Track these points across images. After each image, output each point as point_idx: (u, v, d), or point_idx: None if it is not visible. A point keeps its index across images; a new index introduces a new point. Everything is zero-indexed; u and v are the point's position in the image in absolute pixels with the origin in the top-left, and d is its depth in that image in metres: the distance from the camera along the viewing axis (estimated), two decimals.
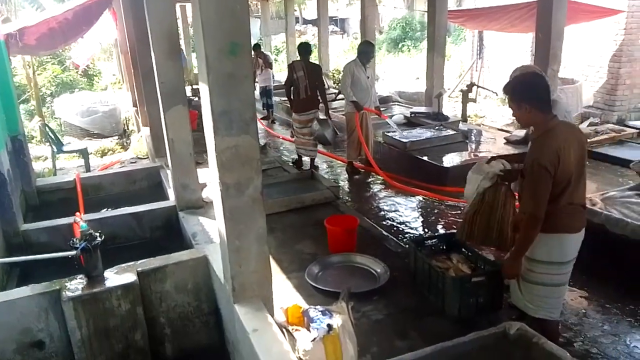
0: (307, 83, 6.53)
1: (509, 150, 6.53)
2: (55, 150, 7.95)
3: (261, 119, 10.70)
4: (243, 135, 2.37)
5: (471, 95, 9.15)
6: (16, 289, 3.08)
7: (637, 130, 7.71)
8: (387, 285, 3.64)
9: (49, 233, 4.16)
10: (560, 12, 5.35)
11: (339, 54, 19.85)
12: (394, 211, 5.53)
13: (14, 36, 5.97)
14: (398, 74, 16.43)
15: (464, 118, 9.01)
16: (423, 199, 5.79)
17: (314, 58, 16.33)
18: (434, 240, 3.86)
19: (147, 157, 8.18)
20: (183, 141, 4.28)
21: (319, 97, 6.76)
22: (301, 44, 7.10)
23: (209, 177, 2.60)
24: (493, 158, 3.08)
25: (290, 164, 7.09)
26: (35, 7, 11.89)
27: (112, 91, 14.70)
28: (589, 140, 7.08)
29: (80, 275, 2.94)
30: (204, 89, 2.34)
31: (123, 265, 3.11)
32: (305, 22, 28.87)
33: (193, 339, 3.25)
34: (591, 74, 9.12)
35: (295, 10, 21.77)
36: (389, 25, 24.13)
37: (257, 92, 11.04)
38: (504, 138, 7.14)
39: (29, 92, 11.79)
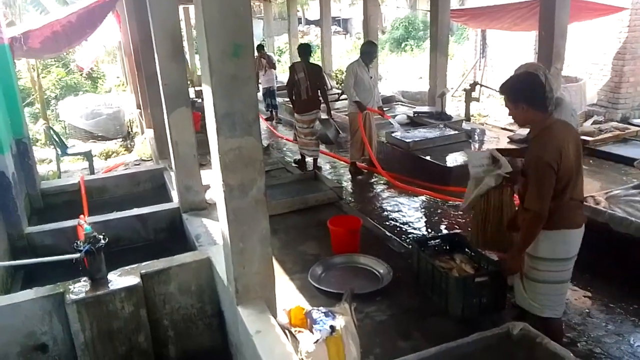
0: (308, 84, 6.57)
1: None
2: (59, 152, 7.99)
3: (265, 119, 10.72)
4: (246, 137, 2.37)
5: (474, 95, 9.12)
6: (20, 292, 3.09)
7: None
8: (390, 286, 3.64)
9: (53, 236, 4.17)
10: (564, 10, 5.32)
11: (341, 54, 19.84)
12: (397, 211, 5.53)
13: (19, 39, 5.99)
14: (401, 73, 16.41)
15: (467, 117, 8.99)
16: (426, 199, 5.78)
17: (317, 59, 16.39)
18: (437, 241, 3.85)
19: (151, 159, 8.20)
20: (186, 143, 4.29)
21: (320, 98, 6.78)
22: (301, 45, 7.14)
23: (213, 179, 2.61)
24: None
25: (294, 165, 7.10)
26: (39, 10, 11.92)
27: (116, 93, 14.76)
28: (592, 138, 7.07)
29: (84, 278, 2.95)
30: (207, 90, 2.35)
31: (126, 267, 3.11)
32: (308, 22, 28.86)
33: (196, 341, 3.26)
34: (595, 72, 9.08)
35: (298, 11, 21.78)
36: (392, 25, 24.10)
37: (260, 93, 11.07)
38: (508, 137, 7.12)
39: (33, 95, 11.86)
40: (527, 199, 2.56)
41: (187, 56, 16.15)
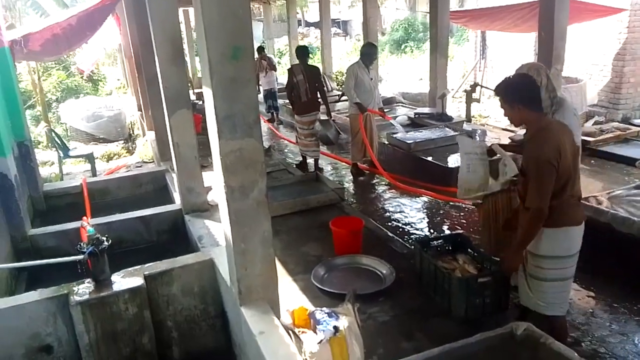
0: (307, 86, 6.63)
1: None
2: (61, 155, 8.01)
3: (266, 121, 10.73)
4: (247, 139, 2.38)
5: (475, 96, 9.14)
6: (24, 293, 3.11)
7: None
8: (393, 286, 3.64)
9: (56, 238, 4.18)
10: (563, 12, 5.32)
11: (341, 56, 19.85)
12: (399, 212, 5.53)
13: (19, 42, 6.00)
14: (401, 75, 16.43)
15: (468, 118, 9.00)
16: (428, 199, 5.78)
17: (317, 61, 16.40)
18: (439, 241, 3.85)
19: (153, 161, 8.21)
20: (188, 145, 4.30)
21: (320, 100, 6.82)
22: (299, 47, 7.19)
23: (214, 180, 2.61)
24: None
25: (295, 166, 7.11)
26: (39, 13, 11.96)
27: (117, 96, 14.78)
28: (594, 139, 7.07)
29: (88, 280, 2.96)
30: (207, 92, 2.35)
31: (130, 269, 3.12)
32: (308, 24, 28.88)
33: (200, 342, 3.26)
34: (595, 73, 9.09)
35: (298, 13, 21.82)
36: (392, 26, 24.12)
37: (261, 95, 11.08)
38: (509, 137, 7.12)
39: (34, 97, 11.88)
40: (528, 197, 2.57)
41: (188, 58, 16.16)
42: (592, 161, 6.65)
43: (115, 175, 6.89)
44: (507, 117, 2.74)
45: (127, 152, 10.13)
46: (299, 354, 2.29)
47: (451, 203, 5.58)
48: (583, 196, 4.06)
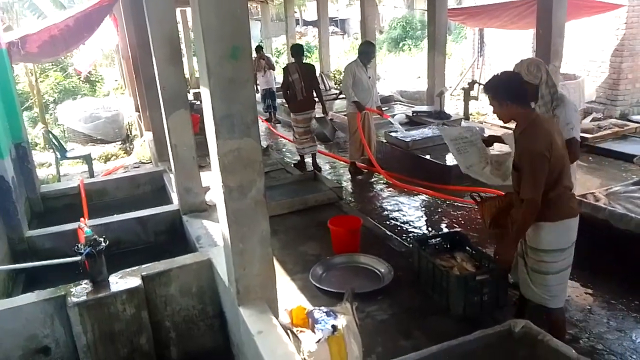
0: (302, 85, 6.68)
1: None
2: (58, 156, 7.99)
3: (264, 120, 10.73)
4: (245, 138, 2.37)
5: (473, 93, 9.14)
6: (22, 295, 3.10)
7: None
8: (391, 285, 3.64)
9: (53, 239, 4.17)
10: (561, 8, 5.32)
11: (339, 54, 19.86)
12: (398, 211, 5.53)
13: (16, 44, 5.99)
14: (399, 73, 16.42)
15: (466, 116, 9.00)
16: (426, 198, 5.78)
17: (314, 59, 16.38)
18: (437, 239, 3.86)
19: (151, 162, 8.20)
20: (186, 145, 4.29)
21: (316, 98, 6.88)
22: (293, 46, 7.27)
23: (212, 181, 2.61)
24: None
25: (293, 165, 7.11)
26: (36, 15, 11.93)
27: (115, 97, 14.77)
28: (592, 135, 7.08)
29: (85, 281, 2.95)
30: (205, 93, 2.35)
31: (127, 269, 3.11)
32: (306, 23, 28.89)
33: (198, 342, 3.26)
34: (593, 69, 9.09)
35: (295, 12, 21.79)
36: (390, 24, 24.12)
37: (259, 95, 11.07)
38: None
39: (32, 99, 11.87)
40: (522, 189, 2.62)
41: (185, 59, 16.15)
42: (590, 158, 6.66)
43: (113, 176, 6.88)
44: (496, 114, 2.80)
45: (124, 153, 10.11)
46: (297, 353, 2.29)
47: (449, 201, 5.58)
48: (581, 193, 4.12)
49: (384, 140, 7.23)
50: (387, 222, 5.19)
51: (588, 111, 8.75)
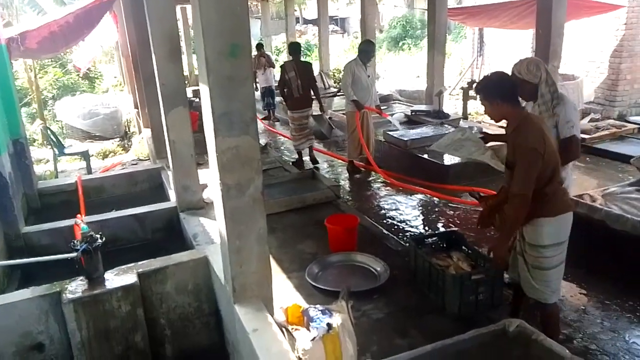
0: (299, 83, 6.74)
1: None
2: (56, 152, 7.99)
3: (262, 119, 10.72)
4: (243, 136, 2.38)
5: (472, 93, 9.13)
6: (16, 291, 3.10)
7: (638, 126, 7.68)
8: (387, 283, 3.64)
9: (50, 235, 4.17)
10: (561, 8, 5.32)
11: (339, 53, 19.85)
12: (395, 210, 5.54)
13: (16, 40, 5.98)
14: (398, 72, 16.43)
15: (465, 115, 9.02)
16: (423, 197, 5.79)
17: (314, 58, 16.35)
18: (434, 239, 3.87)
19: (149, 159, 8.20)
20: (184, 142, 4.29)
21: (313, 95, 6.94)
22: (291, 44, 7.32)
23: (210, 178, 2.61)
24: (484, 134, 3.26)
25: (291, 163, 7.12)
26: (36, 11, 11.90)
27: (114, 93, 14.75)
28: (590, 136, 7.09)
29: (81, 277, 2.95)
30: (204, 90, 2.35)
31: (123, 266, 3.12)
32: (306, 22, 28.87)
33: (193, 340, 3.26)
34: (592, 70, 9.09)
35: (296, 10, 21.77)
36: (389, 23, 24.11)
37: (258, 92, 11.07)
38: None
39: (30, 95, 11.85)
40: (514, 184, 2.65)
41: (185, 56, 16.13)
42: (587, 158, 6.66)
43: (111, 172, 6.86)
44: (487, 114, 2.83)
45: (122, 150, 10.10)
46: (292, 351, 2.29)
47: (446, 201, 5.58)
48: (578, 193, 4.14)
49: (383, 139, 7.23)
50: (384, 221, 5.20)
51: (586, 112, 8.76)
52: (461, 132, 3.39)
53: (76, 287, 2.88)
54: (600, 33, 8.80)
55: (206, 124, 2.43)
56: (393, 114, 8.58)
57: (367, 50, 6.49)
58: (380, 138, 7.27)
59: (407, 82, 14.12)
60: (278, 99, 11.22)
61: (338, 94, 10.42)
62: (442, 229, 4.92)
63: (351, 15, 27.82)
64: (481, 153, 3.39)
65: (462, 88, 9.53)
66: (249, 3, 17.07)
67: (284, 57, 18.32)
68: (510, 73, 3.10)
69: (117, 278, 3.00)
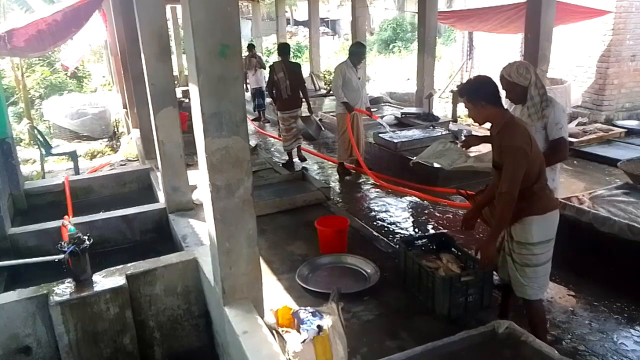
0: (287, 83, 6.79)
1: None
2: (44, 153, 7.89)
3: (252, 120, 10.69)
4: (233, 137, 2.37)
5: None
6: (3, 293, 3.05)
7: (625, 130, 7.79)
8: (377, 285, 3.64)
9: (37, 237, 4.12)
10: (549, 13, 5.38)
11: (330, 55, 19.88)
12: (385, 212, 5.55)
13: (3, 38, 5.90)
14: (389, 74, 16.49)
15: (455, 118, 9.07)
16: (413, 199, 5.81)
17: (305, 59, 16.35)
18: (424, 240, 3.87)
19: (137, 160, 8.14)
20: (173, 143, 4.27)
21: (301, 96, 6.98)
22: (280, 44, 7.41)
23: (200, 179, 2.60)
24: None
25: (281, 165, 7.10)
26: (24, 9, 11.76)
27: (102, 93, 14.62)
28: (577, 139, 7.17)
29: (69, 279, 2.92)
30: (194, 90, 2.34)
31: (112, 268, 3.09)
32: (297, 23, 28.88)
33: (183, 342, 3.24)
34: (580, 74, 9.19)
35: (286, 12, 21.78)
36: (380, 26, 24.22)
37: (248, 94, 11.04)
38: None
39: (17, 94, 11.70)
40: (502, 182, 2.68)
41: (175, 56, 16.04)
42: (575, 162, 6.73)
43: (99, 173, 6.80)
44: (470, 117, 2.87)
45: (111, 150, 10.02)
46: (282, 353, 2.28)
47: (436, 203, 5.60)
48: (566, 196, 4.18)
49: (373, 141, 7.25)
50: (374, 223, 5.21)
51: (574, 115, 8.84)
52: (442, 144, 3.45)
53: (63, 290, 2.85)
54: (588, 38, 8.90)
55: (196, 125, 2.42)
56: (383, 116, 8.60)
57: (357, 53, 6.51)
58: (370, 140, 7.29)
59: (398, 84, 14.18)
60: (268, 100, 11.23)
61: (328, 94, 10.43)
62: (431, 231, 4.95)
63: (342, 17, 27.89)
64: (464, 160, 3.45)
65: (451, 91, 9.60)
66: (239, 4, 17.02)
67: (275, 58, 18.31)
68: (499, 76, 3.15)
69: (105, 280, 2.97)
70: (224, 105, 2.30)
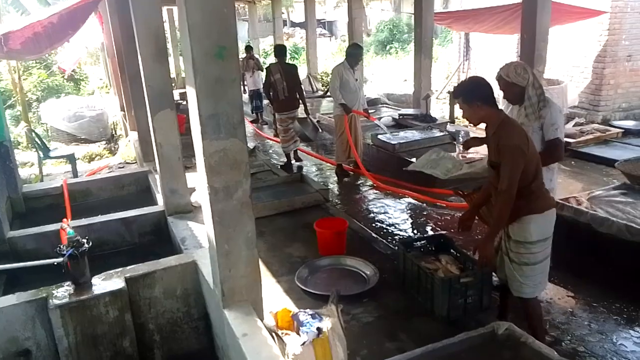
0: (284, 85, 6.81)
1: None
2: (41, 156, 7.87)
3: (250, 121, 10.69)
4: (231, 139, 2.36)
5: None
6: (2, 297, 3.05)
7: (622, 130, 7.82)
8: (376, 287, 3.65)
9: (35, 240, 4.11)
10: (545, 14, 5.40)
11: (327, 56, 19.88)
12: (383, 213, 5.55)
13: None
14: (386, 76, 16.50)
15: (452, 119, 9.09)
16: (412, 200, 5.81)
17: (302, 61, 16.35)
18: (422, 242, 3.88)
19: (135, 162, 8.12)
20: (171, 145, 4.26)
21: (298, 97, 7.02)
22: (276, 46, 7.45)
23: (198, 182, 2.60)
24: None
25: (280, 167, 7.11)
26: (20, 11, 11.74)
27: (99, 95, 14.59)
28: (574, 140, 7.19)
29: (68, 283, 2.91)
30: (191, 92, 2.34)
31: (111, 271, 3.08)
32: (293, 24, 28.88)
33: (182, 345, 3.23)
34: (576, 75, 9.22)
35: (283, 13, 21.80)
36: (377, 27, 24.23)
37: (246, 95, 11.03)
38: None
39: (14, 97, 11.68)
40: (501, 181, 2.69)
41: (172, 58, 16.04)
42: (573, 162, 6.75)
43: (97, 176, 6.80)
44: (465, 118, 2.89)
45: (109, 153, 10.00)
46: (282, 356, 2.28)
47: (434, 204, 5.61)
48: (563, 197, 4.19)
49: (371, 143, 7.26)
50: (373, 225, 5.21)
51: (571, 116, 8.87)
52: (436, 153, 3.47)
53: (63, 293, 2.84)
54: (584, 38, 8.93)
55: (193, 127, 2.42)
56: (381, 118, 8.61)
57: (354, 54, 6.52)
58: (368, 141, 7.30)
59: (395, 85, 14.19)
60: (266, 101, 11.22)
61: (325, 95, 10.43)
62: (430, 233, 4.95)
63: (339, 19, 27.91)
64: (458, 169, 3.47)
65: (449, 92, 9.61)
66: (236, 5, 17.03)
67: (272, 59, 18.31)
68: (497, 77, 3.15)
69: (104, 283, 2.96)
70: (222, 107, 2.30)
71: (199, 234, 3.93)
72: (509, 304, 3.19)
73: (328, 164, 7.48)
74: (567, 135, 7.02)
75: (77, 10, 6.45)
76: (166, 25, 15.83)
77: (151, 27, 4.01)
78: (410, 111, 8.88)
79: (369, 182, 6.44)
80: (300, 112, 7.21)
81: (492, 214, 2.88)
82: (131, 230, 4.39)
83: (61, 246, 2.90)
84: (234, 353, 2.48)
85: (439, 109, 11.31)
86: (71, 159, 7.93)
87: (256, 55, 12.38)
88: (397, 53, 20.75)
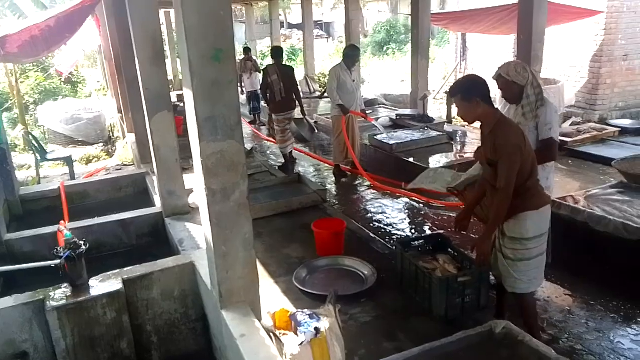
0: (281, 86, 6.84)
1: None
2: (39, 158, 7.87)
3: (249, 123, 10.70)
4: (228, 141, 2.37)
5: None
6: None
7: (618, 129, 7.84)
8: (374, 287, 3.65)
9: (33, 242, 4.10)
10: (541, 14, 5.42)
11: (324, 57, 19.89)
12: (381, 213, 5.56)
13: None
14: (383, 76, 16.52)
15: (449, 119, 9.10)
16: (409, 200, 5.82)
17: (299, 62, 16.37)
18: (420, 242, 3.88)
19: (133, 164, 8.12)
20: (169, 147, 4.26)
21: (295, 98, 7.04)
22: (273, 47, 7.49)
23: (195, 183, 2.60)
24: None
25: (277, 168, 7.11)
26: (17, 15, 11.73)
27: (97, 98, 14.57)
28: (571, 139, 7.21)
29: (65, 284, 2.91)
30: (188, 94, 2.34)
31: (108, 273, 3.08)
32: (291, 26, 28.91)
33: (180, 347, 3.23)
34: (573, 74, 9.25)
35: (280, 15, 21.80)
36: (374, 28, 24.26)
37: (244, 97, 11.03)
38: None
39: (11, 100, 11.66)
40: (499, 179, 2.70)
41: (169, 60, 16.03)
42: (570, 161, 6.77)
43: (95, 178, 6.78)
44: (461, 116, 2.88)
45: (106, 155, 9.98)
46: (280, 356, 2.29)
47: (432, 204, 5.62)
48: (561, 195, 4.20)
49: (368, 143, 7.27)
50: (371, 225, 5.21)
51: (568, 115, 8.90)
52: (432, 171, 3.51)
53: (60, 295, 2.84)
54: (580, 38, 8.96)
55: (191, 129, 2.42)
56: (378, 118, 8.62)
57: (352, 55, 6.53)
58: (365, 142, 7.31)
59: (392, 86, 14.21)
60: (263, 103, 11.23)
61: (323, 96, 10.45)
62: (428, 232, 4.96)
63: (336, 20, 27.94)
64: (458, 180, 3.48)
65: (446, 92, 9.62)
66: (233, 7, 17.05)
67: (269, 61, 18.33)
68: (496, 76, 3.16)
69: (102, 285, 2.96)
70: (219, 109, 2.31)
71: (197, 236, 3.93)
72: (506, 303, 3.19)
73: (326, 165, 7.49)
74: (564, 135, 7.06)
75: (75, 14, 6.45)
76: (163, 28, 15.85)
77: (148, 30, 4.02)
78: (408, 112, 8.89)
79: (367, 183, 6.45)
80: (297, 113, 7.23)
81: (489, 212, 2.89)
82: (129, 232, 4.38)
83: (58, 248, 2.90)
84: (232, 354, 2.48)
85: (437, 109, 11.33)
86: (68, 161, 7.92)
87: (254, 57, 12.40)
88: (394, 54, 20.77)
